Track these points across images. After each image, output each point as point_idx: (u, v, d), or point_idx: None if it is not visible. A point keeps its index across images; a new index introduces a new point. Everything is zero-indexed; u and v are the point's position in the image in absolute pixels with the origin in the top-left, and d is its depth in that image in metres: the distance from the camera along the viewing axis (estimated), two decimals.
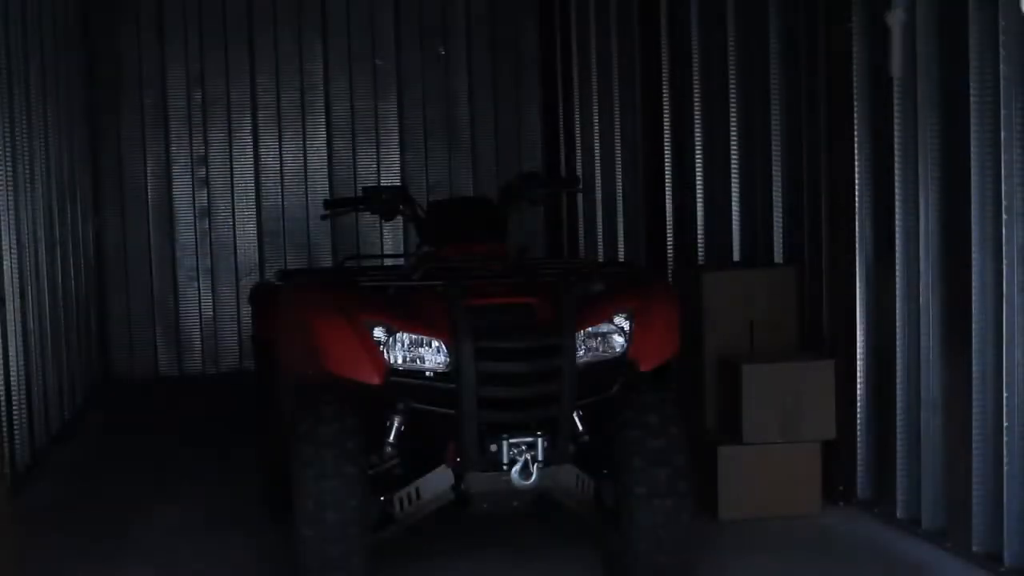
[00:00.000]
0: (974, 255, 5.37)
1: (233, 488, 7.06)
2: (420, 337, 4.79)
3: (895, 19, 5.63)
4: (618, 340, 4.92)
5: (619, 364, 4.92)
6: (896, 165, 5.98)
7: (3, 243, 7.33)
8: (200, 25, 11.20)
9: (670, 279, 7.53)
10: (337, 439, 4.80)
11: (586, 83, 10.52)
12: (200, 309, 11.28)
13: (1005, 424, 5.23)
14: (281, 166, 11.41)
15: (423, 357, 4.78)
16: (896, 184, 5.99)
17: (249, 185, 11.37)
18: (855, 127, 6.28)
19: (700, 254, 8.33)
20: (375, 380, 4.76)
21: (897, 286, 6.01)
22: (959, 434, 5.52)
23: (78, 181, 10.11)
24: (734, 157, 7.81)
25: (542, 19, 11.49)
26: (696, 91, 8.31)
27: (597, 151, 10.38)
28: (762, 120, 7.39)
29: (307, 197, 11.36)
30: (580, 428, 5.10)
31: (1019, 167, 5.12)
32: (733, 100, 7.80)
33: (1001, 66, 5.15)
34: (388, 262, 7.79)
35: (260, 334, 6.29)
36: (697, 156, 8.34)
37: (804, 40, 6.86)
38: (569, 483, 5.04)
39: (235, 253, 11.33)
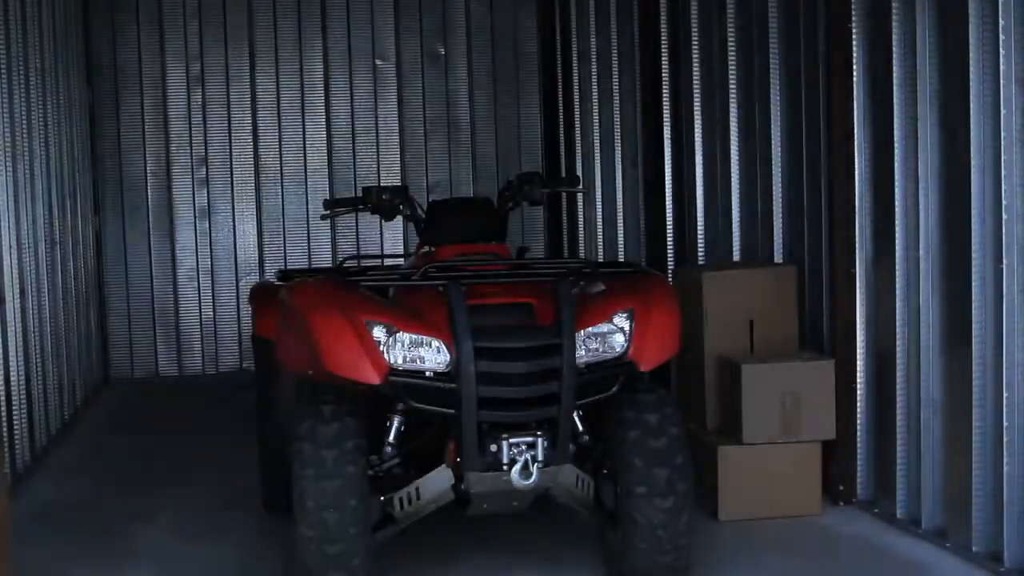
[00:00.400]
0: (974, 255, 5.37)
1: (233, 488, 7.06)
2: (420, 337, 4.78)
3: None
4: (618, 340, 4.91)
5: (619, 364, 4.91)
6: (896, 165, 5.98)
7: (3, 243, 7.34)
8: (200, 25, 11.21)
9: (670, 279, 7.52)
10: (337, 439, 4.81)
11: (586, 82, 10.52)
12: (200, 309, 11.28)
13: (1005, 424, 5.23)
14: (281, 166, 11.41)
15: (423, 357, 4.77)
16: (896, 184, 5.99)
17: (249, 185, 11.37)
18: (855, 127, 6.28)
19: (700, 254, 8.33)
20: (375, 380, 4.75)
21: (897, 286, 6.01)
22: (959, 434, 5.52)
23: (78, 181, 10.11)
24: (734, 156, 7.82)
25: (542, 18, 11.50)
26: (696, 91, 8.31)
27: (597, 151, 10.38)
28: (763, 120, 7.40)
29: (307, 197, 11.36)
30: (580, 428, 5.10)
31: (1019, 167, 5.13)
32: (733, 99, 7.80)
33: (1001, 66, 5.15)
34: (388, 262, 7.76)
35: (260, 334, 6.29)
36: (697, 156, 8.35)
37: (804, 40, 6.86)
38: (569, 483, 5.04)
39: (235, 253, 11.33)
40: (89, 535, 6.35)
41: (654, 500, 4.88)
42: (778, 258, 7.24)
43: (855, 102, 6.27)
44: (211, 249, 11.29)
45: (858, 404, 6.33)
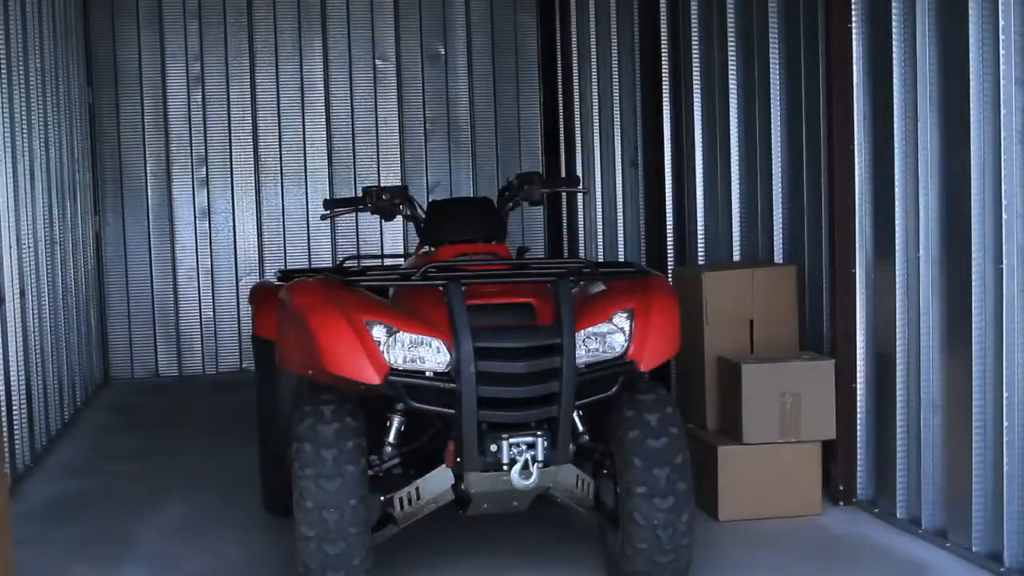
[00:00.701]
0: (974, 255, 5.37)
1: (233, 488, 7.06)
2: (420, 337, 4.77)
3: None
4: (618, 340, 4.91)
5: (619, 364, 4.91)
6: (896, 165, 5.98)
7: (3, 243, 7.34)
8: (200, 25, 11.22)
9: (670, 279, 7.52)
10: (337, 439, 4.80)
11: (586, 82, 10.53)
12: (200, 309, 11.29)
13: (1005, 424, 5.23)
14: (281, 166, 11.42)
15: (423, 357, 4.76)
16: (896, 184, 5.99)
17: (249, 185, 11.38)
18: (855, 127, 6.28)
19: (700, 254, 8.34)
20: (375, 380, 4.75)
21: (897, 286, 6.01)
22: (959, 434, 5.52)
23: (78, 181, 10.12)
24: (734, 156, 7.82)
25: (542, 18, 11.51)
26: (696, 91, 8.31)
27: (597, 151, 10.39)
28: (763, 119, 7.40)
29: (307, 197, 11.38)
30: (580, 428, 5.11)
31: (1019, 167, 5.13)
32: (734, 99, 7.80)
33: (1001, 66, 5.15)
34: (388, 262, 7.77)
35: (260, 334, 6.29)
36: (697, 156, 8.35)
37: (804, 40, 6.86)
38: (569, 483, 5.04)
39: (235, 253, 11.34)
40: (89, 535, 6.35)
41: (654, 500, 4.88)
42: (778, 258, 7.24)
43: (855, 102, 6.27)
44: (211, 249, 11.30)
45: (858, 404, 6.33)
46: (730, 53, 7.79)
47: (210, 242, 11.30)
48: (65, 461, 8.06)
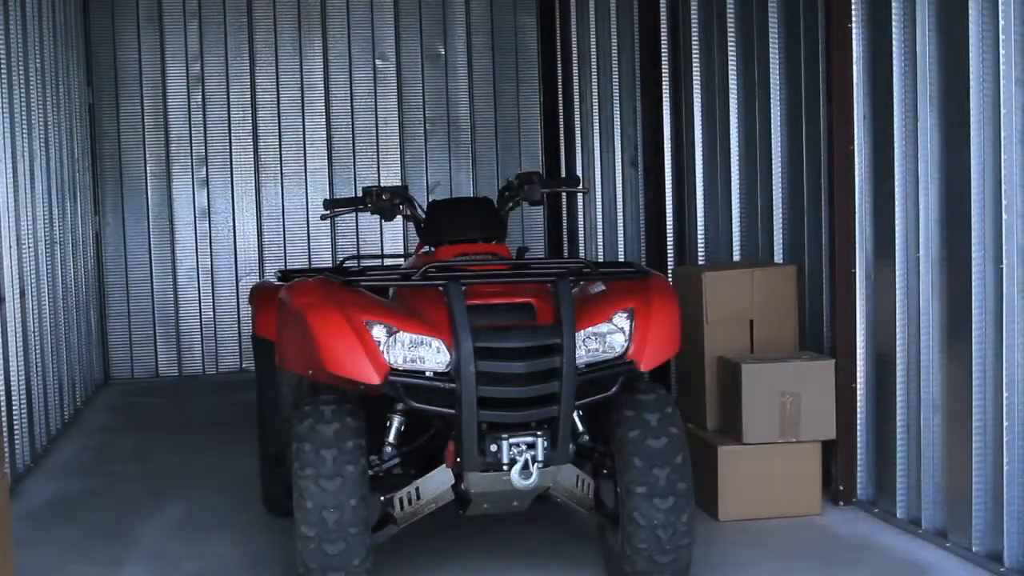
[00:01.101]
0: (974, 255, 5.37)
1: (233, 488, 7.06)
2: (420, 337, 4.77)
3: None
4: (618, 340, 4.91)
5: (619, 364, 4.91)
6: (896, 165, 5.98)
7: (3, 243, 7.34)
8: (200, 25, 11.22)
9: (670, 279, 7.52)
10: (337, 439, 4.81)
11: (586, 83, 10.53)
12: (200, 309, 11.29)
13: (1005, 424, 5.23)
14: (281, 166, 11.42)
15: (423, 357, 4.76)
16: (896, 184, 5.99)
17: (249, 185, 11.38)
18: (855, 127, 6.28)
19: (700, 254, 8.34)
20: (375, 380, 4.75)
21: (897, 286, 6.01)
22: (959, 434, 5.52)
23: (78, 181, 10.12)
24: (734, 156, 7.82)
25: (542, 19, 11.51)
26: (696, 91, 8.31)
27: (597, 151, 10.39)
28: (763, 119, 7.40)
29: (307, 197, 11.38)
30: (580, 428, 5.11)
31: (1019, 167, 5.13)
32: (734, 99, 7.80)
33: (1001, 66, 5.15)
34: (388, 262, 7.77)
35: (260, 334, 6.29)
36: (697, 155, 8.35)
37: (805, 39, 6.86)
38: (569, 483, 5.04)
39: (235, 253, 11.35)
40: (89, 535, 6.35)
41: (654, 500, 4.88)
42: (778, 258, 7.24)
43: (855, 102, 6.27)
44: (211, 249, 11.31)
45: (858, 404, 6.33)
46: (730, 53, 7.79)
47: (210, 242, 11.31)
48: (65, 461, 8.06)
